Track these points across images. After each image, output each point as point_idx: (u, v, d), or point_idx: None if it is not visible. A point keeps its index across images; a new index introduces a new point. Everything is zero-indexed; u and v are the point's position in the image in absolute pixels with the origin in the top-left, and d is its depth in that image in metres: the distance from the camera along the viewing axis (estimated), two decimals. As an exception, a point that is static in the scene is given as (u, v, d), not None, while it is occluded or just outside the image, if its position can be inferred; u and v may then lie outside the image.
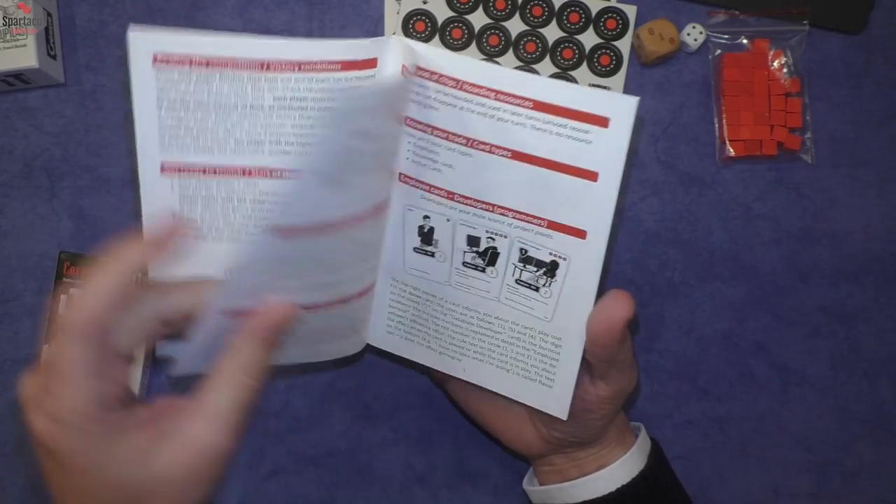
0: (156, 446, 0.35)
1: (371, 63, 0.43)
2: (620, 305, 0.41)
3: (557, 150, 0.42)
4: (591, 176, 0.41)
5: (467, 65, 0.43)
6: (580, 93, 0.42)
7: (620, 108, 0.40)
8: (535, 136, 0.42)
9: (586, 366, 0.45)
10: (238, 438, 0.37)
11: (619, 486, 0.47)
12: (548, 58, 0.60)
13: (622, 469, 0.48)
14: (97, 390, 0.34)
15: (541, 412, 0.47)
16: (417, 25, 0.60)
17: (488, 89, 0.42)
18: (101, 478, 0.34)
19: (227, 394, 0.36)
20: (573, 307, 0.44)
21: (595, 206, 0.42)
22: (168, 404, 0.38)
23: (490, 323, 0.47)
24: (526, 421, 0.49)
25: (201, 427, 0.35)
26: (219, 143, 0.43)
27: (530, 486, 0.52)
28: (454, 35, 0.60)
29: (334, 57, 0.42)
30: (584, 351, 0.44)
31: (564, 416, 0.45)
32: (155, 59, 0.40)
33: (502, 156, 0.43)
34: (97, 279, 0.35)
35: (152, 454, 0.35)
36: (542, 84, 0.42)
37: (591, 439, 0.48)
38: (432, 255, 0.47)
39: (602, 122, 0.40)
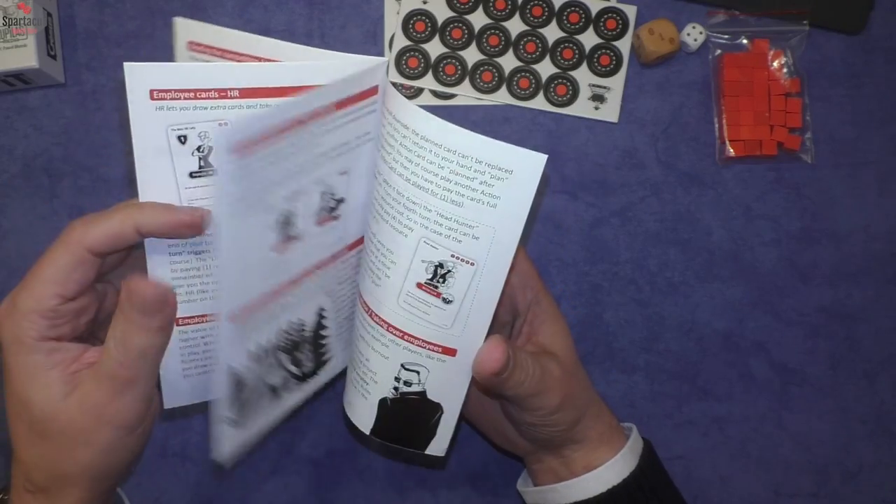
0: (61, 387, 0.36)
1: (372, 92, 0.42)
2: (490, 359, 0.41)
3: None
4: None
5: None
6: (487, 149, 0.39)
7: (526, 164, 0.38)
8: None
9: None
10: (138, 407, 0.37)
11: (609, 486, 0.47)
12: (548, 58, 0.60)
13: (612, 470, 0.47)
14: (59, 294, 0.36)
15: (513, 414, 0.47)
16: (417, 25, 0.60)
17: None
18: (17, 383, 0.37)
19: (115, 357, 0.36)
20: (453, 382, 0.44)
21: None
22: (92, 359, 0.38)
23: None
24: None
25: (92, 386, 0.37)
26: None
27: (524, 486, 0.52)
28: (454, 35, 0.60)
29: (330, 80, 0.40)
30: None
31: (442, 454, 0.46)
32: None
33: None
34: (108, 220, 0.37)
35: (55, 389, 0.36)
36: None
37: (559, 441, 0.47)
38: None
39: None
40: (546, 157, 0.37)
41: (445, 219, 0.39)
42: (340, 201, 0.43)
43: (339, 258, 0.46)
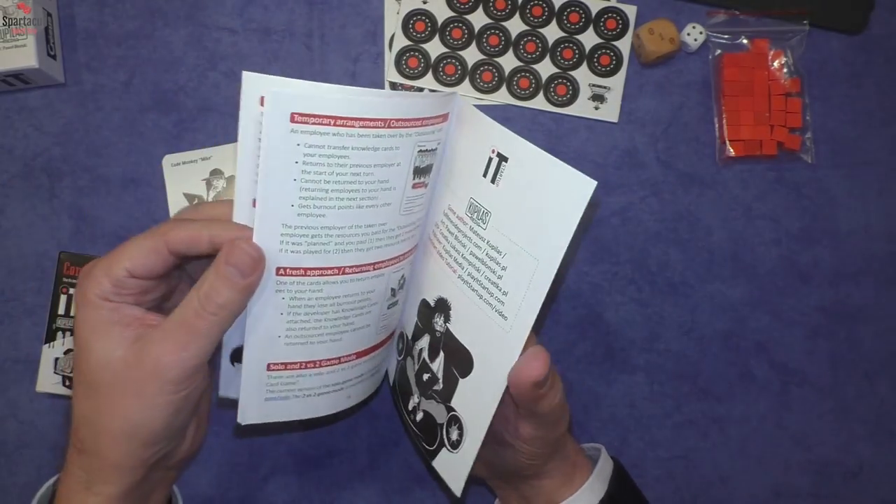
0: (119, 340, 0.38)
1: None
2: (532, 366, 0.40)
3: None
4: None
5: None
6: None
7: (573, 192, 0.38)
8: None
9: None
10: (193, 363, 0.38)
11: None
12: (548, 58, 0.60)
13: (581, 500, 0.46)
14: (128, 269, 0.39)
15: (505, 435, 0.46)
16: (417, 25, 0.60)
17: None
18: (80, 336, 0.39)
19: (195, 306, 0.38)
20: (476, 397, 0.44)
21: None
22: (153, 321, 0.40)
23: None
24: None
25: (158, 336, 0.38)
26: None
27: None
28: (454, 35, 0.60)
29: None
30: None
31: (458, 493, 0.45)
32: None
33: None
34: (191, 226, 0.39)
35: (112, 342, 0.38)
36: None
37: (526, 472, 0.47)
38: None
39: None
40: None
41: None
42: (428, 169, 0.44)
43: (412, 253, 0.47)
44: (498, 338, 0.41)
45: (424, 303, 0.47)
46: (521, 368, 0.40)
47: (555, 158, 0.38)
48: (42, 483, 0.46)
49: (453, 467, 0.45)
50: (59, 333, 0.57)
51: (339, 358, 0.45)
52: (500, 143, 0.41)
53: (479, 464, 0.47)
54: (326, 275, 0.42)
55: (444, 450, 0.45)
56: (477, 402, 0.43)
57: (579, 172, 0.37)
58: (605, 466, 0.48)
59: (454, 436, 0.44)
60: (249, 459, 0.58)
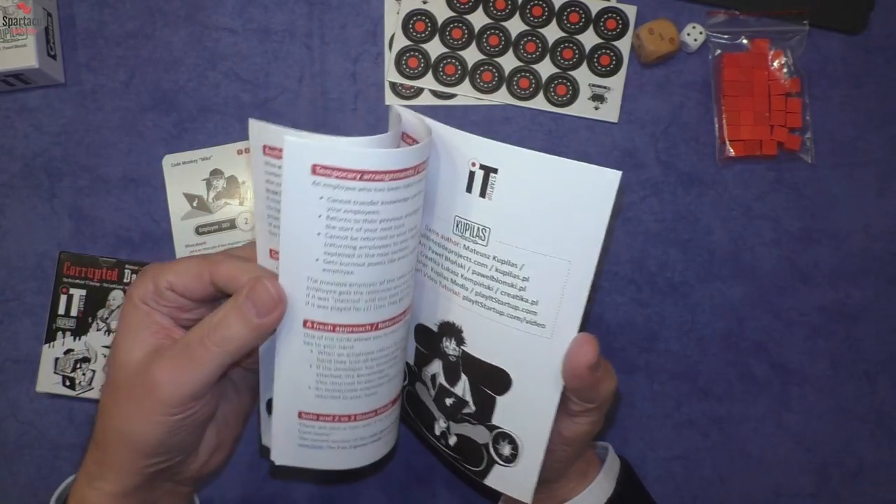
0: (143, 345, 0.39)
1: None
2: (583, 351, 0.41)
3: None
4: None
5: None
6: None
7: (599, 184, 0.37)
8: None
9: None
10: (190, 391, 0.38)
11: None
12: (548, 58, 0.60)
13: (586, 500, 0.46)
14: (170, 283, 0.40)
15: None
16: (417, 25, 0.60)
17: None
18: (118, 331, 0.40)
19: (200, 332, 0.38)
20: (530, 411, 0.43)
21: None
22: (178, 336, 0.40)
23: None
24: None
25: (166, 353, 0.39)
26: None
27: None
28: (454, 35, 0.60)
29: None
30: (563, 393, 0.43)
31: (529, 502, 0.44)
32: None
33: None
34: (232, 263, 0.39)
35: (137, 345, 0.39)
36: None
37: (548, 479, 0.46)
38: None
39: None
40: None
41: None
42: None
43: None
44: (540, 346, 0.40)
45: (423, 328, 0.45)
46: (573, 356, 0.40)
47: (565, 159, 0.37)
48: (42, 483, 0.46)
49: (515, 480, 0.44)
50: (59, 333, 0.57)
51: (375, 411, 0.43)
52: (481, 155, 0.39)
53: None
54: (357, 332, 0.39)
55: (496, 466, 0.45)
56: (528, 414, 0.42)
57: (601, 167, 0.36)
58: (613, 465, 0.49)
59: (506, 451, 0.44)
60: (249, 459, 0.58)
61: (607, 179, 0.36)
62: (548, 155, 0.37)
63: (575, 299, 0.39)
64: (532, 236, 0.39)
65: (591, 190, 0.37)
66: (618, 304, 0.60)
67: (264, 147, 0.36)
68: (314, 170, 0.34)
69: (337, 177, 0.35)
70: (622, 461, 0.50)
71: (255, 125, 0.36)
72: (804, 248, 0.61)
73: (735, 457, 0.60)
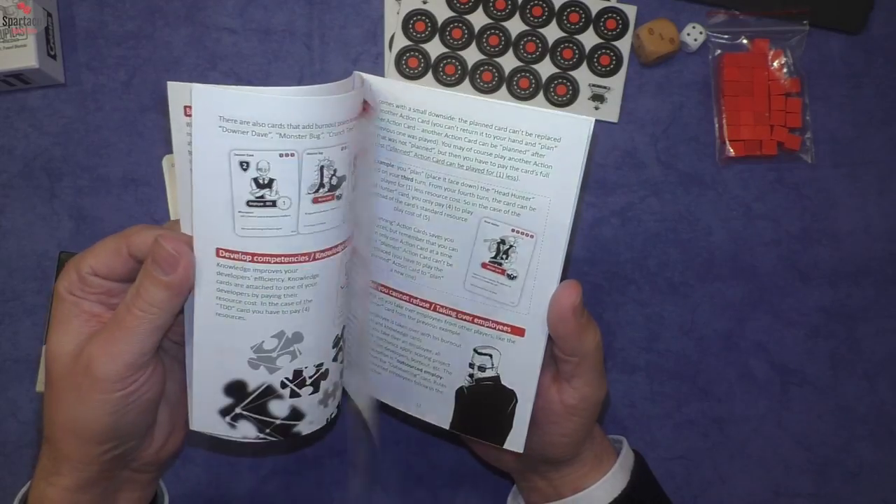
0: (75, 335, 0.39)
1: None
2: (566, 293, 0.41)
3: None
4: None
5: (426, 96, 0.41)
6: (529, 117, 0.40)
7: (573, 129, 0.39)
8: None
9: (552, 372, 0.45)
10: (125, 361, 0.38)
11: None
12: (548, 58, 0.60)
13: (602, 489, 0.47)
14: (92, 267, 0.39)
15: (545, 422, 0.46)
16: (417, 25, 0.60)
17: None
18: (50, 327, 0.40)
19: (125, 301, 0.38)
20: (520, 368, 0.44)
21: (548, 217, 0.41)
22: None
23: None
24: None
25: (97, 334, 0.39)
26: None
27: (514, 503, 0.52)
28: (454, 35, 0.60)
29: None
30: (551, 350, 0.44)
31: (520, 449, 0.45)
32: None
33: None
34: (147, 233, 0.39)
35: (69, 336, 0.39)
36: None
37: (561, 458, 0.47)
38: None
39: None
40: (593, 120, 0.38)
41: (503, 195, 0.41)
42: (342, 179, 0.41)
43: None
44: (519, 295, 0.42)
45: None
46: (558, 299, 0.41)
47: (536, 108, 0.39)
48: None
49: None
50: (59, 333, 0.57)
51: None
52: (447, 110, 0.40)
53: (511, 456, 0.47)
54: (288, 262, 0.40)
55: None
56: (515, 363, 0.44)
57: (575, 115, 0.38)
58: (627, 457, 0.49)
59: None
60: (249, 459, 0.58)
61: (582, 126, 0.38)
62: (521, 104, 0.39)
63: (553, 248, 0.41)
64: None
65: (566, 137, 0.39)
66: (618, 304, 0.60)
67: (185, 108, 0.36)
68: (221, 120, 0.35)
69: (249, 129, 0.36)
70: (636, 455, 0.50)
71: (173, 87, 0.36)
72: (804, 248, 0.61)
73: (735, 457, 0.60)
